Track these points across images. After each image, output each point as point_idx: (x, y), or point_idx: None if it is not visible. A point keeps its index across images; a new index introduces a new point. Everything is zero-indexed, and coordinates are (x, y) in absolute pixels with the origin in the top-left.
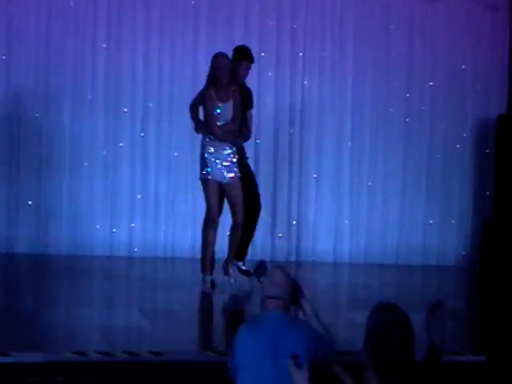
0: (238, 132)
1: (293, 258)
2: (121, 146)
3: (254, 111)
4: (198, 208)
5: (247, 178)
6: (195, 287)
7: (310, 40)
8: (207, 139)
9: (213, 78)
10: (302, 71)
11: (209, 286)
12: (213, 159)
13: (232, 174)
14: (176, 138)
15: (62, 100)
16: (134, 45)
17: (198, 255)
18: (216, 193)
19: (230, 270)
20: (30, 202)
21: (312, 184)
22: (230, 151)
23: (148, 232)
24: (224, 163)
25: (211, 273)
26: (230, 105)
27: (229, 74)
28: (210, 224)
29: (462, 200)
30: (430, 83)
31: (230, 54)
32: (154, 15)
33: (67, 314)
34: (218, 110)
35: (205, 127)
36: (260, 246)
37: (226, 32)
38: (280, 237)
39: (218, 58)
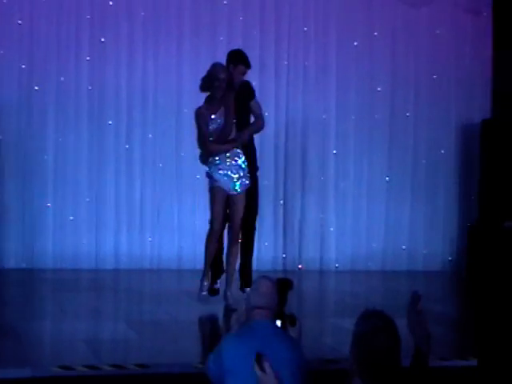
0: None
1: (279, 266)
2: (105, 159)
3: None
4: (184, 219)
5: (250, 193)
6: (182, 298)
7: (294, 48)
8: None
9: (208, 88)
10: (287, 79)
11: (204, 292)
12: (219, 171)
13: (240, 187)
14: (161, 149)
15: (45, 113)
16: (117, 56)
17: (185, 266)
18: (221, 203)
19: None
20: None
21: (297, 192)
22: (239, 161)
23: (134, 244)
24: (232, 174)
25: (211, 280)
26: (222, 111)
27: (224, 87)
28: (212, 237)
29: (447, 205)
30: (414, 89)
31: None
32: (137, 26)
33: (53, 327)
34: (214, 125)
35: (201, 147)
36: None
37: (209, 42)
38: (266, 245)
39: (216, 68)
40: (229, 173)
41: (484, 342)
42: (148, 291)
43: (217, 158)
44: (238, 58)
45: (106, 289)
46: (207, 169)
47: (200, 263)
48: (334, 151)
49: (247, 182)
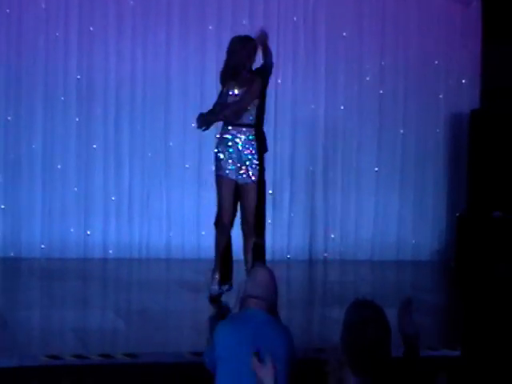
0: None
1: (268, 256)
2: (94, 148)
3: None
4: (173, 208)
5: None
6: (171, 288)
7: (283, 37)
8: (221, 132)
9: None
10: (276, 69)
11: (215, 286)
12: (226, 156)
13: (248, 175)
14: (149, 139)
15: (34, 103)
16: (106, 46)
17: (174, 255)
18: (228, 193)
19: None
20: (2, 206)
21: (286, 181)
22: (249, 147)
23: (122, 233)
24: (240, 162)
25: (223, 276)
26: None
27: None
28: (219, 229)
29: (435, 195)
30: (403, 79)
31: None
32: (125, 16)
33: (42, 317)
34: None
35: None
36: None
37: (198, 31)
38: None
39: (232, 41)
40: (233, 160)
41: (468, 332)
42: (136, 280)
43: (223, 147)
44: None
45: (95, 278)
46: (216, 149)
47: (189, 252)
48: (323, 141)
49: (253, 170)
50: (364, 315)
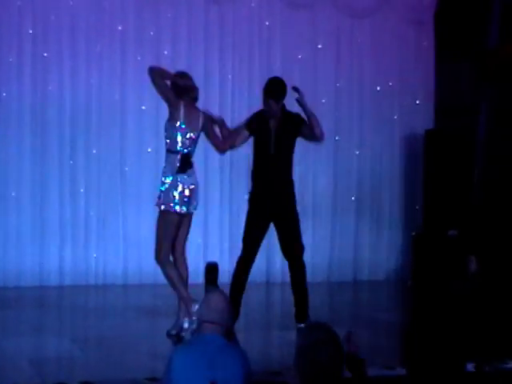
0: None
1: (226, 279)
2: (49, 174)
3: None
4: (129, 234)
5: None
6: (128, 314)
7: (238, 61)
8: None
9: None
10: (231, 91)
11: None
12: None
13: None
14: (105, 164)
15: None
16: (60, 71)
17: (131, 281)
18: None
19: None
20: None
21: (243, 204)
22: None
23: (79, 260)
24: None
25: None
26: None
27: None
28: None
29: (391, 214)
30: (358, 101)
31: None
32: (79, 40)
33: None
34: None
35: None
36: (193, 268)
37: (153, 56)
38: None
39: None
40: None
41: (415, 351)
42: (93, 307)
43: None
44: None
45: (51, 306)
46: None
47: (146, 278)
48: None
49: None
50: (316, 338)
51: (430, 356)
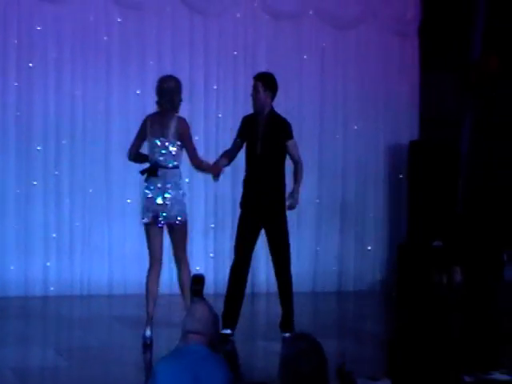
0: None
1: (211, 290)
2: (34, 185)
3: None
4: (114, 244)
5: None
6: (112, 324)
7: (223, 72)
8: None
9: None
10: (216, 103)
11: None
12: None
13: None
14: (90, 174)
15: None
16: (45, 82)
17: (116, 291)
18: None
19: None
20: None
21: (228, 215)
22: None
23: (63, 270)
24: None
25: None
26: None
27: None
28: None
29: (376, 225)
30: (343, 112)
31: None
32: (65, 51)
33: None
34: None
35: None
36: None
37: (138, 66)
38: (197, 270)
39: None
40: None
41: (398, 362)
42: (78, 318)
43: None
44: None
45: (35, 316)
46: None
47: (131, 288)
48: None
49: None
50: (299, 348)
51: (414, 366)
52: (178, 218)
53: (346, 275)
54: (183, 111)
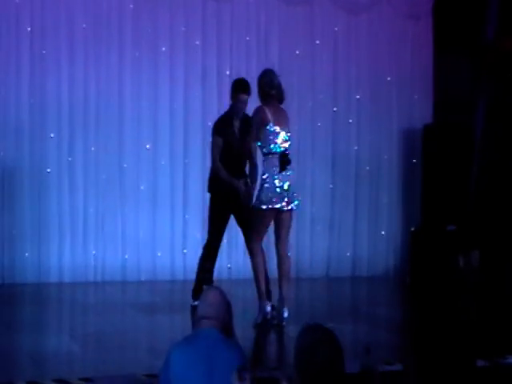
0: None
1: (224, 275)
2: (48, 172)
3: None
4: (128, 230)
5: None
6: (126, 310)
7: (236, 58)
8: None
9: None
10: (229, 89)
11: (268, 315)
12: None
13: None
14: (103, 160)
15: None
16: (58, 68)
17: (129, 278)
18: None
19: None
20: None
21: None
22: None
23: (78, 257)
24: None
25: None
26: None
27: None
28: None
29: (390, 210)
30: (357, 96)
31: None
32: (78, 38)
33: None
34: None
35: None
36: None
37: (151, 52)
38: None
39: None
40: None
41: (412, 346)
42: (92, 304)
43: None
44: (239, 87)
45: (50, 302)
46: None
47: (145, 274)
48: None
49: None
50: (313, 339)
51: (440, 352)
52: (295, 203)
53: (359, 260)
54: (195, 97)
